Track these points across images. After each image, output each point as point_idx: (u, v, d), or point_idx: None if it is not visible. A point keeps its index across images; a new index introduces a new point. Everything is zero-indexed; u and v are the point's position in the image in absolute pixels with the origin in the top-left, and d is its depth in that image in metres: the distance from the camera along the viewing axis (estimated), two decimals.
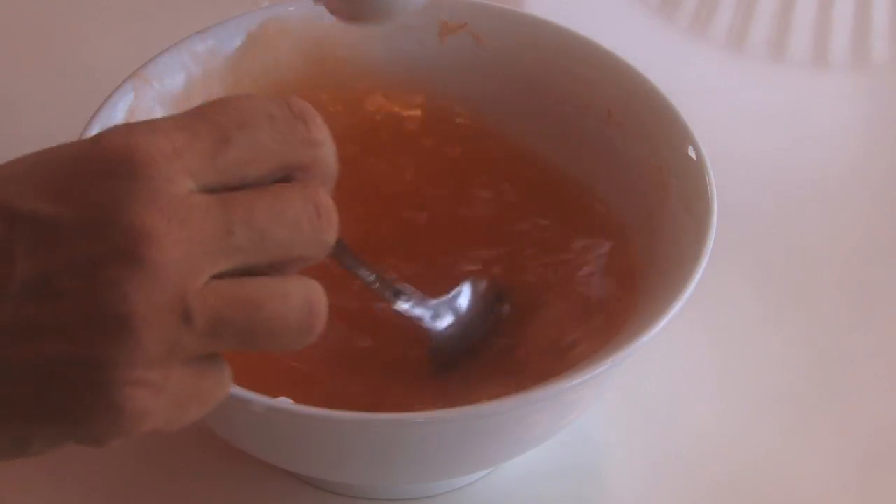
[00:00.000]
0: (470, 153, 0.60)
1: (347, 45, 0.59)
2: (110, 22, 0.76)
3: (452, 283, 0.54)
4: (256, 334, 0.34)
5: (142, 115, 0.54)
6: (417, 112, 0.60)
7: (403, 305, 0.51)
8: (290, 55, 0.59)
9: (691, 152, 0.53)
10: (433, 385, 0.52)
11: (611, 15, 0.80)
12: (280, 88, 0.59)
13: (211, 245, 0.33)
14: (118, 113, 0.53)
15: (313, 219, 0.35)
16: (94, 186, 0.33)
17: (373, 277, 0.49)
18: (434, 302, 0.52)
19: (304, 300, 0.35)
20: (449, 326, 0.53)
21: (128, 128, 0.34)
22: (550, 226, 0.58)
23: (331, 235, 0.36)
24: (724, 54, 0.78)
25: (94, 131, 0.52)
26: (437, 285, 0.54)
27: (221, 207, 0.34)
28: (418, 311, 0.52)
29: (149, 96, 0.55)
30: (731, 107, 0.73)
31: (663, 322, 0.46)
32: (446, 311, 0.53)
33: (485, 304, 0.54)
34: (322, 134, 0.36)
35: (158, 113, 0.55)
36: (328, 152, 0.36)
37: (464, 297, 0.54)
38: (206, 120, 0.34)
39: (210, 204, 0.33)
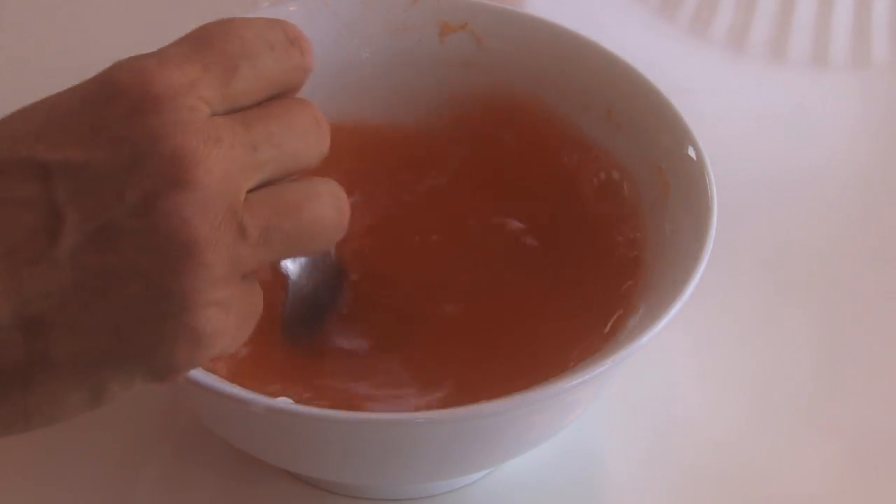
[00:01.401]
0: (469, 153, 0.60)
1: (347, 43, 0.59)
2: (111, 22, 0.76)
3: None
4: (302, 237, 0.36)
5: None
6: (416, 112, 0.60)
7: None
8: None
9: (691, 152, 0.53)
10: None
11: (611, 15, 0.80)
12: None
13: (243, 161, 0.35)
14: None
15: (315, 129, 0.37)
16: (122, 124, 0.33)
17: None
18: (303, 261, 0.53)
19: (333, 197, 0.37)
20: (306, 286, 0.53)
21: (136, 61, 0.35)
22: (549, 225, 0.58)
23: (327, 144, 0.38)
24: (724, 54, 0.78)
25: None
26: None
27: (243, 126, 0.35)
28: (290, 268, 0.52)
29: None
30: (731, 107, 0.73)
31: (663, 322, 0.46)
32: (310, 270, 0.53)
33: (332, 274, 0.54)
34: (311, 59, 0.38)
35: None
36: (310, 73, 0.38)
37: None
38: (213, 49, 0.36)
39: (233, 124, 0.35)
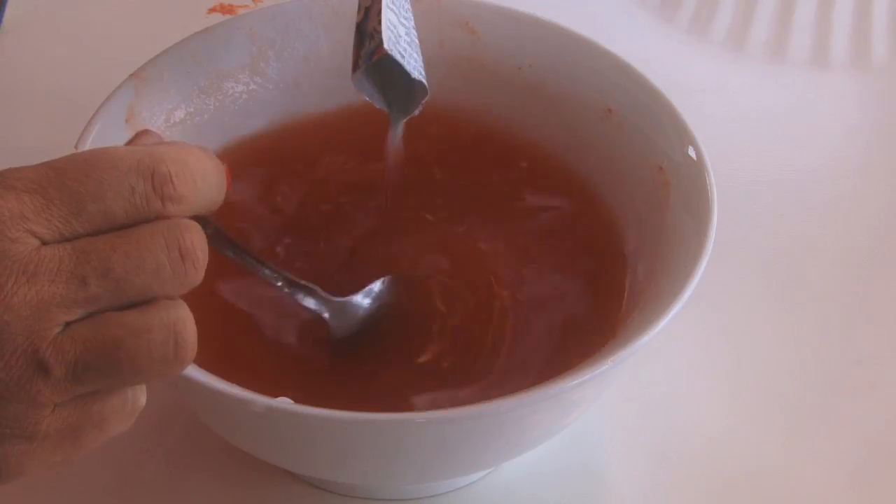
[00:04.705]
0: (469, 152, 0.60)
1: (346, 42, 0.59)
2: (111, 22, 0.76)
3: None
4: (120, 372, 0.35)
5: (142, 115, 0.54)
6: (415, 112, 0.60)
7: (308, 302, 0.50)
8: (289, 52, 0.59)
9: (691, 152, 0.53)
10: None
11: (611, 15, 0.80)
12: (279, 87, 0.59)
13: (64, 297, 0.34)
14: (118, 113, 0.53)
15: (176, 264, 0.35)
16: None
17: (275, 276, 0.48)
18: (339, 300, 0.52)
19: (167, 332, 0.35)
20: (351, 322, 0.52)
21: None
22: (549, 225, 0.58)
23: (195, 277, 0.36)
24: (724, 54, 0.78)
25: (94, 131, 0.52)
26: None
27: (75, 259, 0.34)
28: (321, 308, 0.51)
29: (149, 96, 0.55)
30: (731, 107, 0.73)
31: (663, 322, 0.46)
32: (350, 308, 0.52)
33: (392, 301, 0.54)
34: (175, 208, 0.36)
35: (157, 113, 0.55)
36: (185, 212, 0.36)
37: (369, 295, 0.53)
38: (62, 186, 0.34)
39: (63, 257, 0.34)
